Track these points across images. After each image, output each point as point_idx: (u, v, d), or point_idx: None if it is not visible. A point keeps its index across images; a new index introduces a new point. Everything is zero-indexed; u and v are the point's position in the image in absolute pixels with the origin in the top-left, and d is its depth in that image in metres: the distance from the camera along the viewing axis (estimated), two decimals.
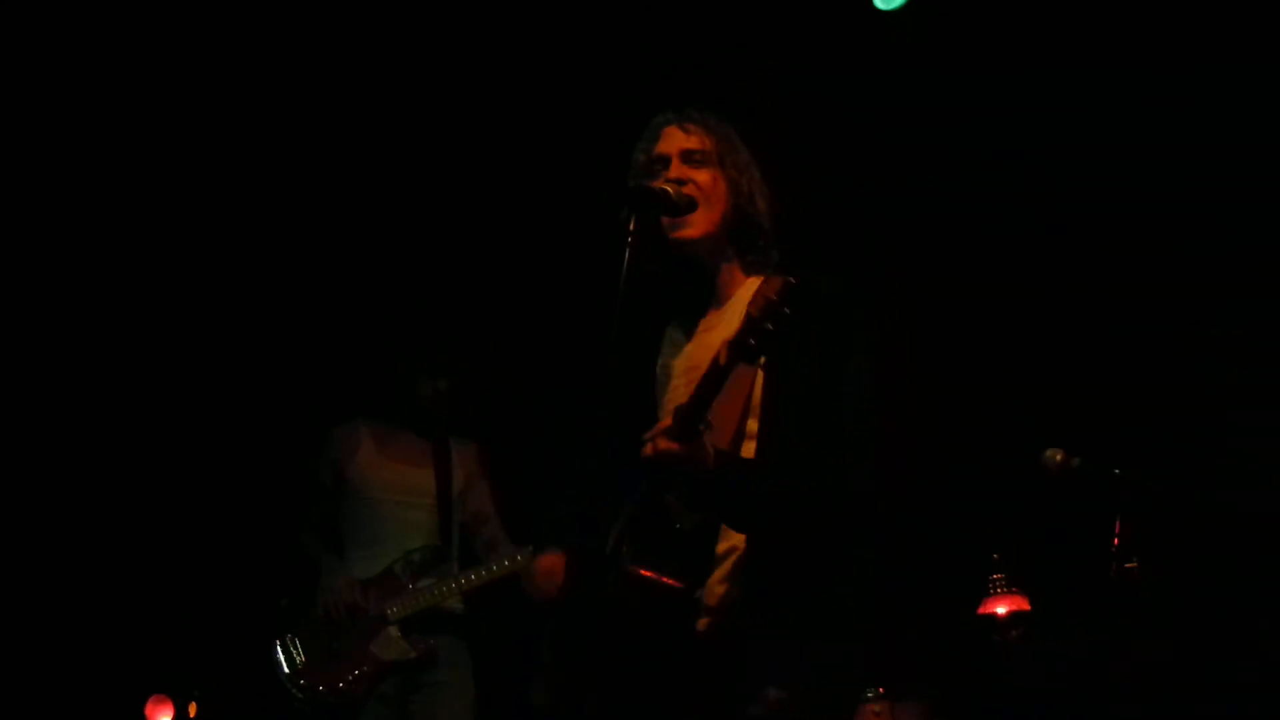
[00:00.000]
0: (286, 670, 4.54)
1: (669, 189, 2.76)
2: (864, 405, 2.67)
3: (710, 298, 2.90)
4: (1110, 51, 5.00)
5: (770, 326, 2.45)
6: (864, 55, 5.21)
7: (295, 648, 4.57)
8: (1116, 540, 4.25)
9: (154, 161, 5.64)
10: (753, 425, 2.69)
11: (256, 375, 5.95)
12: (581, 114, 5.27)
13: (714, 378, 2.52)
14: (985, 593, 5.23)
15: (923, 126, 5.18)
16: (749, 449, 2.68)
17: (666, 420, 2.55)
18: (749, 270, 2.88)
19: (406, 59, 5.48)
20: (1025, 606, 5.13)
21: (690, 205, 2.80)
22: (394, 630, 4.58)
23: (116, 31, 5.28)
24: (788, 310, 2.44)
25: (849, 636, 2.63)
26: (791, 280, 2.47)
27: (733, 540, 2.69)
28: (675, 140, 2.87)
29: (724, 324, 2.81)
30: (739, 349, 2.48)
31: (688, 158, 2.85)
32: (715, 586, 2.70)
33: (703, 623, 2.69)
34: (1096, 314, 5.18)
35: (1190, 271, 4.98)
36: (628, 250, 2.67)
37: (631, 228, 2.69)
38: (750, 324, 2.47)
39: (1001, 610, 5.15)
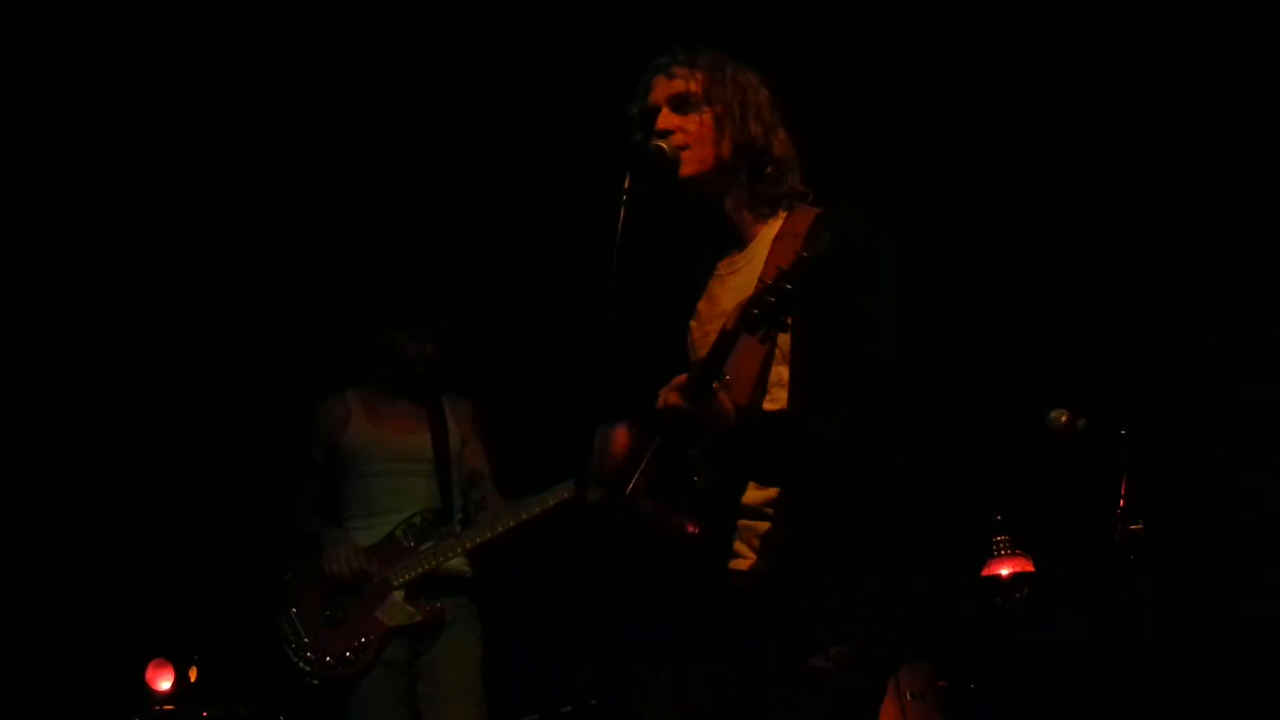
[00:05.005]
0: (293, 645, 4.50)
1: (663, 145, 2.73)
2: (891, 343, 2.63)
3: (731, 237, 2.85)
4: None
5: (773, 300, 2.42)
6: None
7: (299, 622, 4.53)
8: (1122, 502, 4.23)
9: (128, 146, 5.59)
10: (782, 372, 2.67)
11: (250, 347, 5.93)
12: (573, 69, 5.21)
13: (723, 343, 2.51)
14: (989, 554, 5.22)
15: (926, 90, 5.15)
16: (778, 395, 2.66)
17: (682, 376, 2.53)
18: (764, 202, 2.82)
19: (389, 28, 5.41)
20: (1029, 568, 5.12)
21: (683, 151, 2.76)
22: (399, 595, 4.55)
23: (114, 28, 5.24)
24: (790, 286, 2.41)
25: (904, 591, 2.63)
26: (804, 254, 2.43)
27: (760, 490, 2.68)
28: (661, 89, 2.82)
29: (748, 264, 2.79)
30: (745, 318, 2.46)
31: (675, 104, 2.80)
32: (752, 534, 2.68)
33: (738, 564, 2.68)
34: (1105, 274, 5.15)
35: (1197, 232, 4.95)
36: (623, 209, 2.63)
37: (626, 186, 2.65)
38: (759, 294, 2.44)
39: (1005, 571, 5.13)
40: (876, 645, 2.59)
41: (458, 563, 4.65)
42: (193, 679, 5.53)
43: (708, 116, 2.78)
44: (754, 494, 2.68)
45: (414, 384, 4.82)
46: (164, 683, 5.50)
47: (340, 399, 4.82)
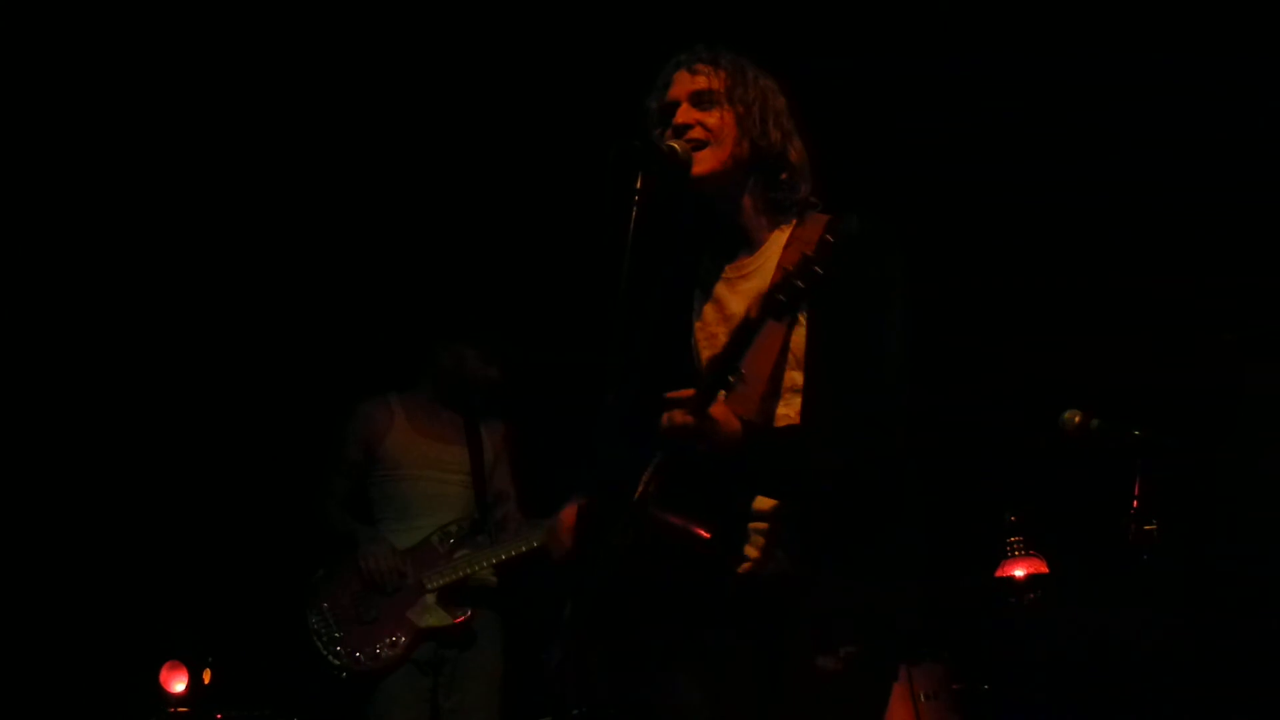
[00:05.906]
0: (324, 638, 4.57)
1: (676, 146, 2.71)
2: (900, 355, 2.63)
3: (739, 240, 2.84)
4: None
5: (802, 284, 2.43)
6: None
7: (331, 616, 4.59)
8: (1135, 502, 4.22)
9: (196, 136, 5.59)
10: (796, 377, 2.67)
11: (270, 351, 5.95)
12: (600, 70, 5.21)
13: (745, 332, 2.51)
14: (1003, 555, 5.21)
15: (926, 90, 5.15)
16: (792, 402, 2.66)
17: (687, 390, 2.52)
18: (776, 209, 2.81)
19: (433, 33, 5.42)
20: (1043, 569, 5.11)
21: (700, 148, 2.75)
22: (431, 598, 4.63)
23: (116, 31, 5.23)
24: (819, 270, 2.42)
25: (904, 591, 2.64)
26: (829, 238, 2.44)
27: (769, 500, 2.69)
28: (683, 84, 2.81)
29: (758, 269, 2.79)
30: (770, 305, 2.46)
31: (696, 100, 2.78)
32: (762, 537, 2.69)
33: (748, 567, 2.69)
34: (1115, 272, 5.15)
35: (1206, 228, 4.95)
36: (634, 209, 2.62)
37: (638, 185, 2.64)
38: (783, 279, 2.45)
39: (1020, 572, 5.13)
40: (882, 645, 2.61)
41: (485, 573, 4.71)
42: (207, 681, 5.55)
43: (729, 116, 2.77)
44: (764, 499, 2.69)
45: (466, 400, 4.90)
46: (178, 685, 5.51)
47: (383, 402, 4.88)
